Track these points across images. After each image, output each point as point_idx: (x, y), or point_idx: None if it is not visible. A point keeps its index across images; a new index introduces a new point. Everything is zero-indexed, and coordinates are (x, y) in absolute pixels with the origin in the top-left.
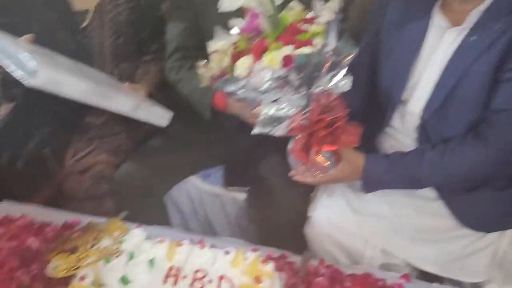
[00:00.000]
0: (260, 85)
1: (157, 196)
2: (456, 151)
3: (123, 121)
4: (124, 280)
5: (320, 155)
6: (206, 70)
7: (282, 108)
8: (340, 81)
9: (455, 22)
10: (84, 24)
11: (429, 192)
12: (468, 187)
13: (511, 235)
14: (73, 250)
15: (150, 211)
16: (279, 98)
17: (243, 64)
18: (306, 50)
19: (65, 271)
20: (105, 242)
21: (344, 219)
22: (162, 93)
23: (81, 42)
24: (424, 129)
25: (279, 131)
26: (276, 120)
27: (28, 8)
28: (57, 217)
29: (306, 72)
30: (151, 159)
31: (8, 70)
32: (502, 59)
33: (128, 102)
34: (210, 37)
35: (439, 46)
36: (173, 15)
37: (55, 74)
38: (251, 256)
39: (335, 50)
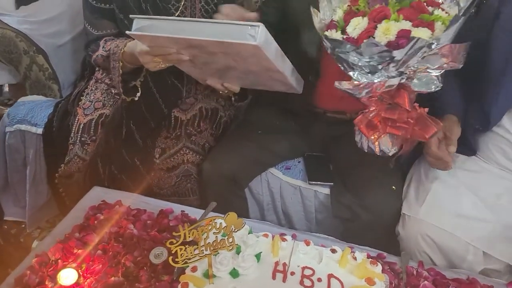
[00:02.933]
0: (363, 56)
1: (239, 187)
2: None
3: (207, 118)
4: (234, 274)
5: (385, 135)
6: (318, 20)
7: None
8: (430, 80)
9: None
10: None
11: None
12: None
13: None
14: (191, 242)
15: (232, 203)
16: (374, 70)
17: (358, 24)
18: (424, 32)
19: (183, 261)
20: (219, 236)
21: (446, 221)
22: None
23: None
24: None
25: (357, 92)
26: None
27: None
28: (147, 205)
29: (411, 54)
30: (234, 151)
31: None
32: None
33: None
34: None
35: None
36: None
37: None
38: (359, 255)
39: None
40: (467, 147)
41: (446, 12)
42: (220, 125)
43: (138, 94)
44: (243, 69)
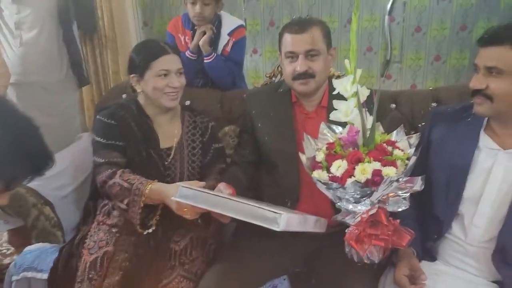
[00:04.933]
0: (348, 192)
1: None
2: None
3: (198, 246)
4: None
5: (371, 247)
6: (305, 160)
7: (358, 207)
8: (400, 201)
9: (504, 145)
10: (170, 158)
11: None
12: None
13: None
14: None
15: None
16: (358, 201)
17: (339, 166)
18: (391, 170)
19: None
20: None
21: None
22: None
23: (165, 172)
24: (502, 246)
25: (351, 221)
26: (351, 213)
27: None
28: None
29: (383, 188)
30: (225, 275)
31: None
32: None
33: (313, 219)
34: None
35: (495, 166)
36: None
37: (289, 216)
38: None
39: (409, 181)
40: (429, 254)
41: (401, 150)
42: (210, 252)
43: (153, 228)
44: None
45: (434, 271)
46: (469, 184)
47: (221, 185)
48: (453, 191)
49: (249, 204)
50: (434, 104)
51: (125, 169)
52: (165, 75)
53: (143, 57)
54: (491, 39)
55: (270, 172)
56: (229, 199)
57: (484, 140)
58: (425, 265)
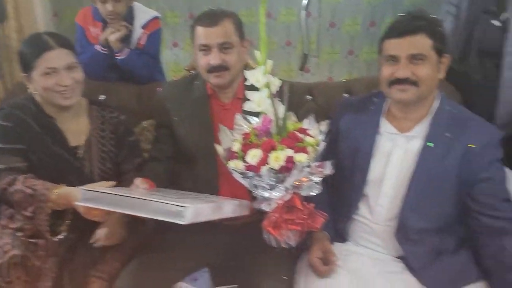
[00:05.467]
0: (264, 179)
1: None
2: None
3: (113, 248)
4: None
5: (288, 232)
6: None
7: (273, 194)
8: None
9: (403, 129)
10: (79, 156)
11: (397, 267)
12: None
13: None
14: None
15: None
16: (273, 187)
17: (255, 155)
18: (303, 156)
19: None
20: None
21: None
22: None
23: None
24: (403, 223)
25: (267, 207)
26: (267, 200)
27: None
28: None
29: (296, 174)
30: (141, 273)
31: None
32: (462, 164)
33: (231, 203)
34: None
35: (395, 149)
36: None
37: (196, 207)
38: None
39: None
40: (340, 236)
41: (312, 137)
42: (127, 250)
43: (65, 234)
44: None
45: (345, 252)
46: (372, 167)
47: (137, 181)
48: (358, 174)
49: (153, 200)
50: (346, 95)
51: (27, 174)
52: (53, 72)
53: (27, 55)
54: (408, 29)
55: (189, 166)
56: (132, 197)
57: (384, 125)
58: (337, 247)
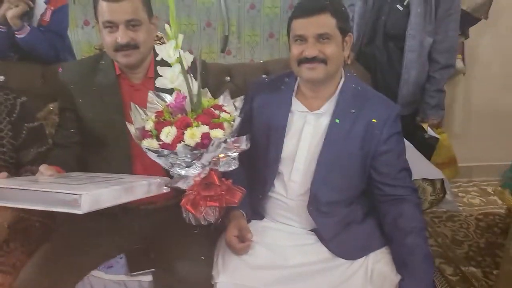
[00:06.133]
0: (180, 156)
1: None
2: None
3: (18, 236)
4: None
5: (207, 208)
6: (134, 130)
7: (190, 171)
8: (230, 161)
9: (312, 107)
10: None
11: (311, 239)
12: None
13: (373, 257)
14: None
15: None
16: (190, 164)
17: (169, 133)
18: (218, 132)
19: None
20: None
21: (246, 277)
22: None
23: None
24: (314, 196)
25: (184, 185)
26: (184, 178)
27: None
28: None
29: (212, 150)
30: (49, 262)
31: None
32: (365, 138)
33: (144, 184)
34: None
35: (305, 127)
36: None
37: (94, 194)
38: None
39: (235, 141)
40: (257, 213)
41: (228, 112)
42: (33, 241)
43: None
44: None
45: (262, 228)
46: (285, 144)
47: (42, 167)
48: (273, 152)
49: (46, 191)
50: (264, 76)
51: None
52: None
53: None
54: (313, 9)
55: (99, 151)
56: (23, 189)
57: (295, 104)
58: (254, 224)
